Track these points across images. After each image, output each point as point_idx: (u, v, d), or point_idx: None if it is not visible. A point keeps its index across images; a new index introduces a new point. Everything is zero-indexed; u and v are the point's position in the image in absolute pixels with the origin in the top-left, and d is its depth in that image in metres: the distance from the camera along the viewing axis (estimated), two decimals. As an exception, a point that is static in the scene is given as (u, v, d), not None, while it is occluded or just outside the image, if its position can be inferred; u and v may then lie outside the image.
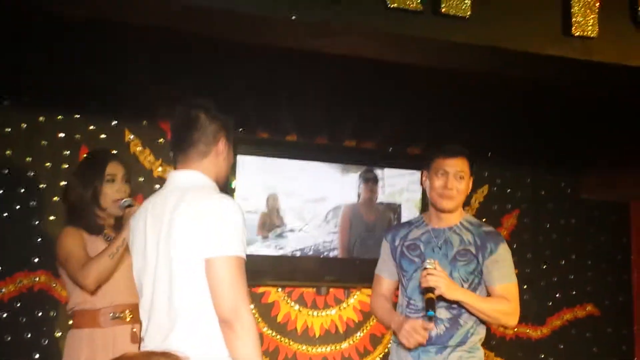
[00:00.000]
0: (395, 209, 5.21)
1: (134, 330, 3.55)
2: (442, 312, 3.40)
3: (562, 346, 5.67)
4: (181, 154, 2.78)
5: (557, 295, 5.71)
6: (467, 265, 3.44)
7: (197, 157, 2.76)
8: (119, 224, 3.70)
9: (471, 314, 3.41)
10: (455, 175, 3.46)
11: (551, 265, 5.71)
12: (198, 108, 2.78)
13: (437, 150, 3.56)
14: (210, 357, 2.62)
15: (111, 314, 3.56)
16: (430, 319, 3.29)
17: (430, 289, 3.28)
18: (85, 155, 3.75)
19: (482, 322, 3.48)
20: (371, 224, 5.13)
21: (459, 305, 3.40)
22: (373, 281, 3.71)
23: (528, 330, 5.58)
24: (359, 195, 5.14)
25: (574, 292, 5.76)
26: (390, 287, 3.66)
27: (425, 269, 3.31)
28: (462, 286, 3.41)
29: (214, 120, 2.78)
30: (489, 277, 3.44)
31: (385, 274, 3.65)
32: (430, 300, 3.27)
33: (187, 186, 2.73)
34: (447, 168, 3.47)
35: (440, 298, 3.33)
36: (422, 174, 3.63)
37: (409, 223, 3.68)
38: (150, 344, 2.73)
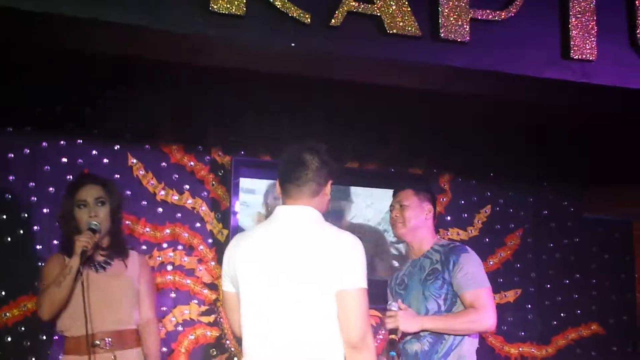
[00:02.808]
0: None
1: (113, 358, 3.59)
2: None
3: (567, 365, 5.65)
4: (295, 190, 2.98)
5: (562, 315, 5.68)
6: (434, 282, 3.66)
7: (309, 195, 2.97)
8: (117, 247, 3.77)
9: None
10: (401, 206, 3.80)
11: (555, 284, 5.69)
12: (313, 151, 3.00)
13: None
14: None
15: (91, 342, 3.55)
16: (392, 358, 3.51)
17: (393, 330, 3.53)
18: None
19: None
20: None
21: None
22: None
23: (533, 350, 5.55)
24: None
25: (578, 311, 5.73)
26: None
27: (388, 311, 3.57)
28: (437, 302, 3.63)
29: (326, 164, 3.00)
30: (457, 286, 3.62)
31: None
32: (392, 341, 3.54)
33: (306, 220, 2.95)
34: (393, 202, 3.85)
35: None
36: None
37: (403, 265, 3.98)
38: None
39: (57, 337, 4.36)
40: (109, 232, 3.75)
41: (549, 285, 5.66)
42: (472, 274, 3.63)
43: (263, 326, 2.89)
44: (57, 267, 3.61)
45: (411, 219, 3.78)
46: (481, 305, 3.56)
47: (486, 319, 3.56)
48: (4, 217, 4.38)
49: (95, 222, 3.61)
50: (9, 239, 4.37)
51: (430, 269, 3.70)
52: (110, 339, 3.61)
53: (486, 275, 3.67)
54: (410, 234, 3.80)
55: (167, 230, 4.73)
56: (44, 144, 4.47)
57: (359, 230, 5.04)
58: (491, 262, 5.45)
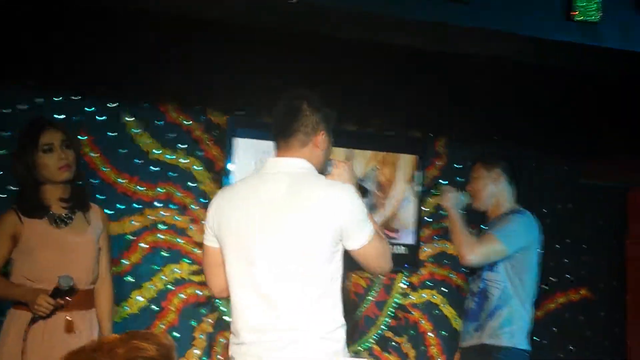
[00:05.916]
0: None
1: (68, 318, 3.35)
2: (474, 286, 3.93)
3: (555, 329, 5.69)
4: (282, 142, 2.85)
5: (552, 279, 5.71)
6: None
7: (298, 146, 2.83)
8: (79, 199, 3.49)
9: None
10: (473, 179, 4.15)
11: (547, 249, 5.69)
12: (300, 99, 2.86)
13: None
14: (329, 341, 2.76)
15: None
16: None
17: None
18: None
19: (510, 295, 3.86)
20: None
21: (487, 278, 3.89)
22: None
23: (522, 313, 5.58)
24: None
25: (568, 276, 5.77)
26: None
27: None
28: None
29: (315, 112, 2.85)
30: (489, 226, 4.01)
31: None
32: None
33: (297, 172, 2.80)
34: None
35: None
36: None
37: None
38: (251, 331, 2.76)
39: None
40: (71, 181, 3.47)
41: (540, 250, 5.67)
42: (506, 225, 3.93)
43: (254, 283, 2.74)
44: (7, 231, 3.38)
45: (485, 190, 4.11)
46: (482, 244, 3.84)
47: (468, 253, 3.81)
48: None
49: (69, 277, 3.28)
50: (4, 196, 4.32)
51: None
52: (67, 299, 3.33)
53: (520, 240, 3.94)
54: (483, 202, 4.11)
55: (160, 189, 4.70)
56: (40, 100, 4.42)
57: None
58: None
